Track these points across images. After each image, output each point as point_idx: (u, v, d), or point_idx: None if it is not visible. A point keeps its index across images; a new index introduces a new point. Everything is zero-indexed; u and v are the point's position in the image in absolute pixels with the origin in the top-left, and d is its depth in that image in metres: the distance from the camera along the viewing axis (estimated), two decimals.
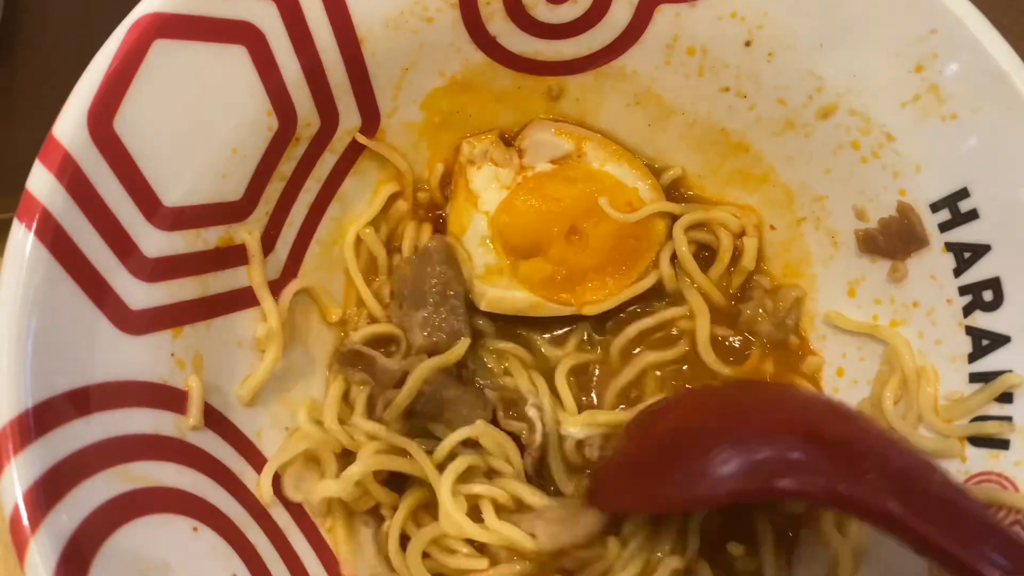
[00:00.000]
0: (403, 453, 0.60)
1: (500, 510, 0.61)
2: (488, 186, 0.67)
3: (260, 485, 0.57)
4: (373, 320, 0.67)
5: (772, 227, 0.68)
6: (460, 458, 0.60)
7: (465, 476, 0.60)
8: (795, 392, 0.61)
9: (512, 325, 0.69)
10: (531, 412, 0.64)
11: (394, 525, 0.60)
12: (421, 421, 0.63)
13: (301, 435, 0.61)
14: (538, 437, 0.63)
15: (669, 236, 0.68)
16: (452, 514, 0.58)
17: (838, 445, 0.47)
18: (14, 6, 0.79)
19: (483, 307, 0.66)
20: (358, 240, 0.67)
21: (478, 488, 0.60)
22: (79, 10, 0.79)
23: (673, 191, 0.70)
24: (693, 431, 0.55)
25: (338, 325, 0.67)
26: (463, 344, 0.63)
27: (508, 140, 0.69)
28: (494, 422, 0.64)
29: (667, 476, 0.53)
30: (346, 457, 0.61)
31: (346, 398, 0.63)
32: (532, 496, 0.61)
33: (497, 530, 0.58)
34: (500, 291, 0.66)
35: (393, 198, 0.68)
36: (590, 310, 0.67)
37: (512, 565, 0.59)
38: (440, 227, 0.70)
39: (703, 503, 0.53)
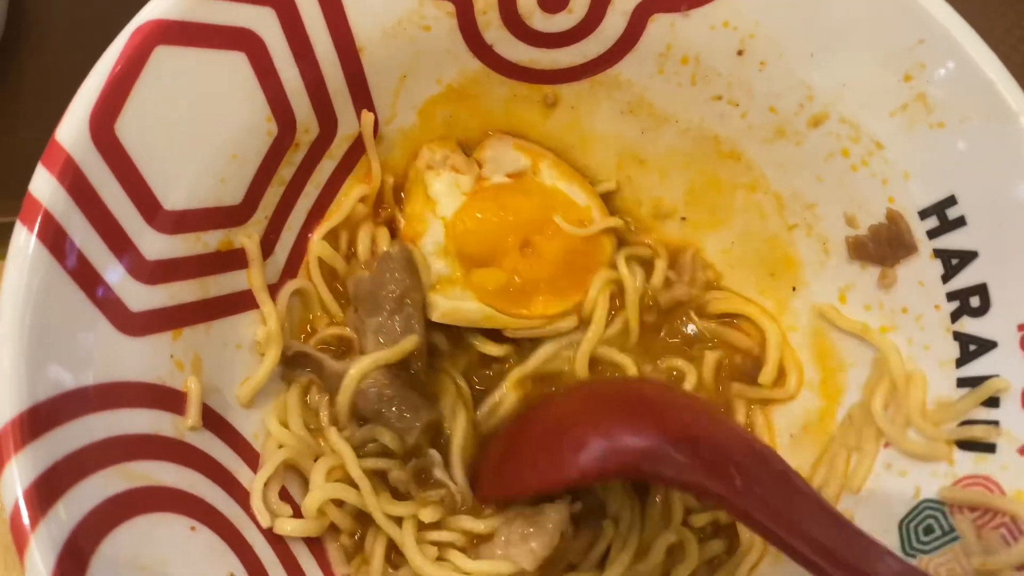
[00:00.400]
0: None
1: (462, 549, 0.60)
2: (448, 192, 0.67)
3: (254, 508, 0.57)
4: (332, 323, 0.66)
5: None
6: (412, 518, 0.60)
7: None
8: (650, 387, 0.66)
9: (466, 334, 0.69)
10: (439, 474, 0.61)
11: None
12: (366, 424, 0.62)
13: (274, 442, 0.60)
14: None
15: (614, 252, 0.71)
16: None
17: (688, 438, 0.53)
18: (19, 11, 0.79)
19: (435, 319, 0.65)
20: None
21: (441, 536, 0.60)
22: (83, 16, 0.80)
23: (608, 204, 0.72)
24: (558, 422, 0.61)
25: None
26: (410, 341, 0.62)
27: (466, 150, 0.70)
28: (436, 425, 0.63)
29: (535, 461, 0.58)
30: None
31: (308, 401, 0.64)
32: (480, 524, 0.60)
33: (480, 571, 0.58)
34: (453, 302, 0.66)
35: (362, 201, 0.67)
36: (512, 331, 0.68)
37: None
38: (395, 233, 0.69)
39: (565, 483, 0.56)
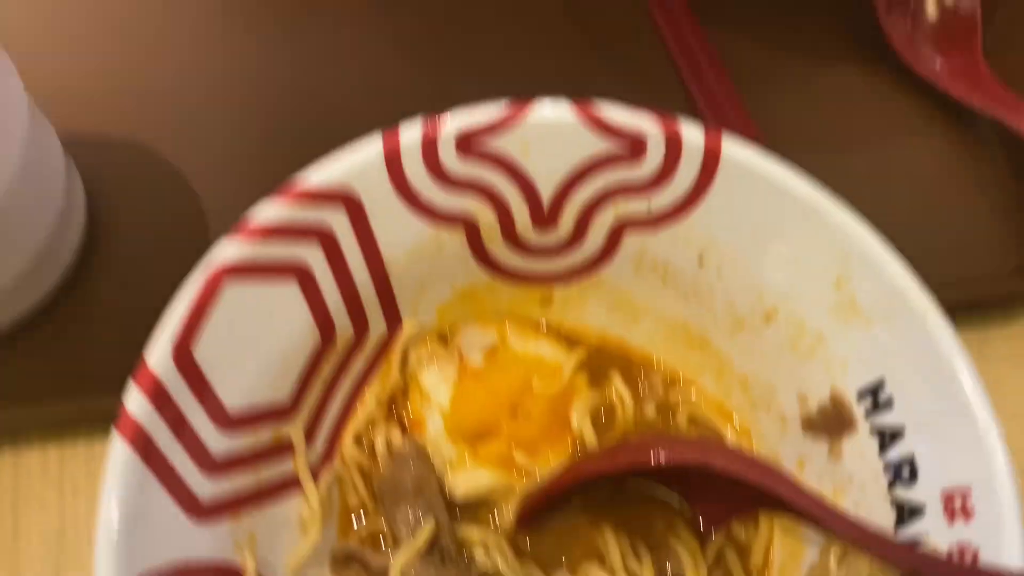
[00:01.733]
0: None
1: None
2: (438, 386, 0.78)
3: None
4: (368, 516, 0.75)
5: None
6: None
7: None
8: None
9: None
10: None
11: None
12: None
13: None
14: None
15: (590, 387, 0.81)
16: None
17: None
18: (95, 229, 0.92)
19: (460, 499, 0.75)
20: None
21: None
22: (150, 238, 0.92)
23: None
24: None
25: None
26: (426, 529, 0.70)
27: (445, 339, 0.81)
28: None
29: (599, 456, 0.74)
30: None
31: None
32: None
33: None
34: (468, 480, 0.75)
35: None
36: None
37: None
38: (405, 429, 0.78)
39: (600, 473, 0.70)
